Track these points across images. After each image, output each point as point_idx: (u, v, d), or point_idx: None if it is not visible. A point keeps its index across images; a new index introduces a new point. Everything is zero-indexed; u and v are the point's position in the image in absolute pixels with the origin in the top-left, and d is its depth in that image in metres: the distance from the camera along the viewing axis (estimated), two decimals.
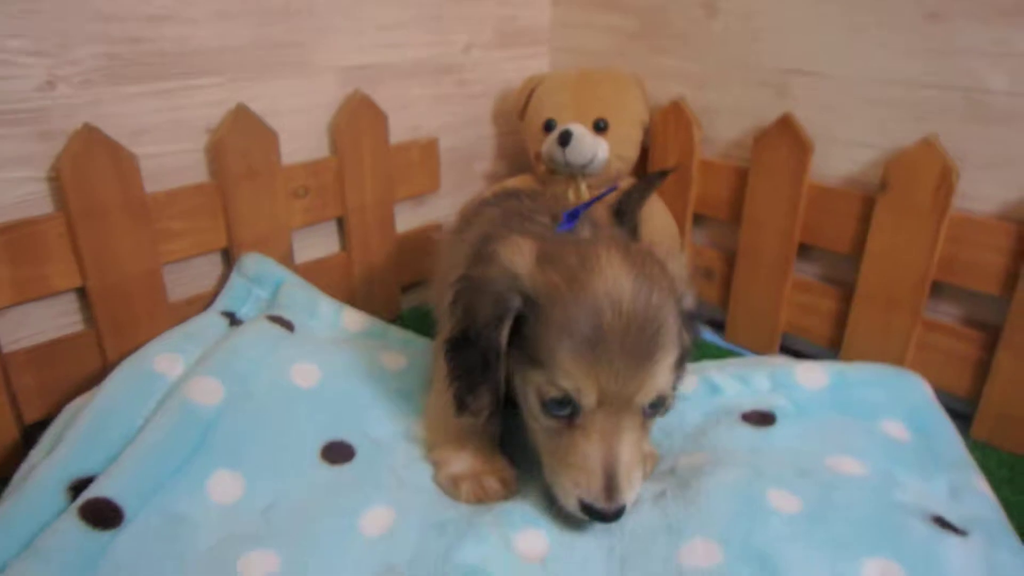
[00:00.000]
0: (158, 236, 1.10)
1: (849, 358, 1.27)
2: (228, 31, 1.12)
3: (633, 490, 0.82)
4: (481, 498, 0.90)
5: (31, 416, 1.05)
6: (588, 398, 0.79)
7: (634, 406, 0.80)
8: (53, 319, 1.06)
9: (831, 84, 1.24)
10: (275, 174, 1.20)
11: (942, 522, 0.83)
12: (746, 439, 0.98)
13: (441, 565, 0.79)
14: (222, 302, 1.16)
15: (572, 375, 0.78)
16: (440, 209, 1.49)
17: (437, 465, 0.94)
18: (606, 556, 0.82)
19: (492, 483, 0.90)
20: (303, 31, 1.21)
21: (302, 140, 1.25)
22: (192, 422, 0.90)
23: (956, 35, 1.10)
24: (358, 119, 1.27)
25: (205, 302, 1.18)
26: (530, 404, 0.84)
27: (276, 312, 1.11)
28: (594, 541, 0.84)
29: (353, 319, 1.18)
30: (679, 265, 0.88)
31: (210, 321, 1.09)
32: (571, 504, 0.82)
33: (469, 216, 1.10)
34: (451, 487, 0.91)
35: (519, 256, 0.83)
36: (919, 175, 1.14)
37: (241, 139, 1.15)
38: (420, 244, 1.43)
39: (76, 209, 1.01)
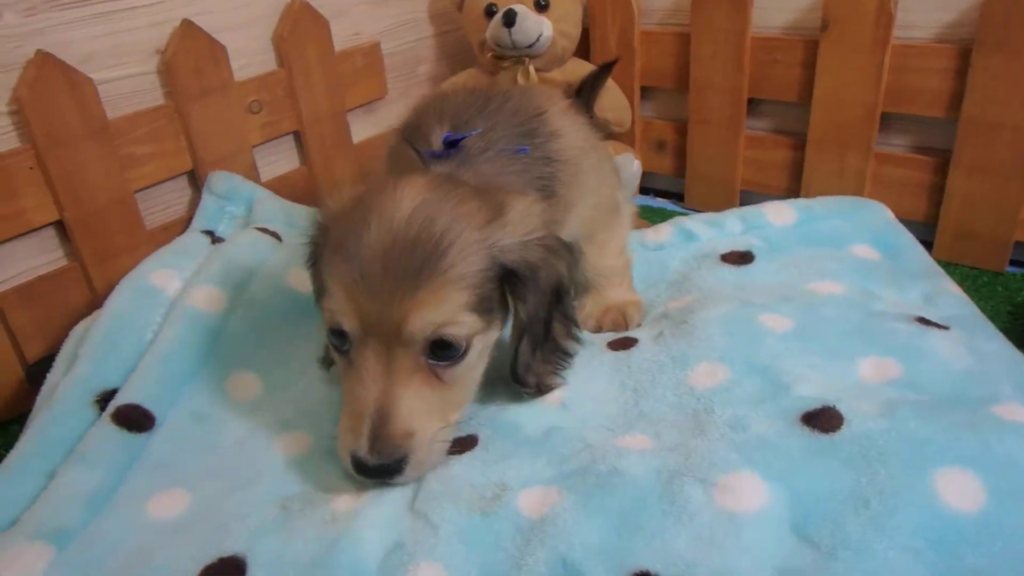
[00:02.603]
0: (125, 162, 1.10)
1: None
2: None
3: (417, 443, 0.73)
4: None
5: (32, 354, 1.05)
6: (351, 323, 0.73)
7: (405, 339, 0.72)
8: (36, 257, 1.06)
9: None
10: (229, 90, 1.20)
11: (924, 321, 0.88)
12: (729, 277, 1.03)
13: (471, 422, 0.82)
14: (199, 222, 1.17)
15: (336, 297, 0.73)
16: (391, 117, 1.49)
17: None
18: (619, 390, 0.86)
19: None
20: None
21: (249, 55, 1.25)
22: (201, 329, 0.92)
23: None
24: (301, 28, 1.27)
25: (181, 227, 1.19)
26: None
27: (258, 224, 1.12)
28: (604, 380, 0.87)
29: None
30: (524, 220, 0.78)
31: (193, 240, 1.10)
32: (344, 459, 0.74)
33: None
34: None
35: (338, 192, 0.81)
36: (859, 9, 1.18)
37: (191, 56, 1.14)
38: (376, 153, 1.43)
39: (42, 139, 1.01)
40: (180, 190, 1.21)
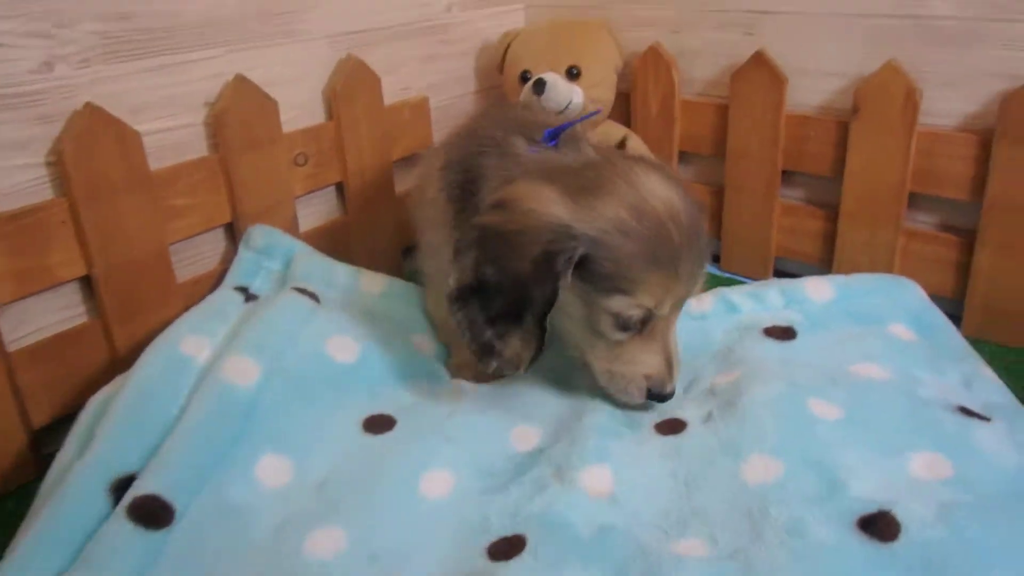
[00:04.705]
0: (164, 214, 0.93)
1: (841, 272, 1.17)
2: (219, 3, 0.95)
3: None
4: (481, 380, 0.87)
5: (39, 419, 0.87)
6: (665, 308, 0.77)
7: (683, 303, 0.80)
8: (55, 313, 0.89)
9: (796, 20, 1.17)
10: (276, 143, 1.03)
11: (967, 411, 0.79)
12: (773, 353, 0.91)
13: (516, 519, 0.68)
14: (233, 277, 1.00)
15: (656, 293, 0.75)
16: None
17: (450, 355, 0.93)
18: (670, 481, 0.73)
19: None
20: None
21: (299, 108, 1.08)
22: (231, 405, 0.75)
23: None
24: (353, 82, 1.11)
25: (213, 280, 1.02)
26: (601, 327, 0.77)
27: (296, 283, 0.95)
28: (654, 468, 0.75)
29: (371, 281, 1.02)
30: None
31: (226, 298, 0.93)
32: (637, 396, 0.81)
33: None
34: (455, 371, 0.89)
35: (553, 205, 0.73)
36: (886, 97, 1.08)
37: (242, 109, 0.98)
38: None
39: (79, 192, 0.84)
40: (215, 242, 1.03)
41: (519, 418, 0.84)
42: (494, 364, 0.75)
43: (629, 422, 0.83)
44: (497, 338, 0.74)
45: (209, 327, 0.85)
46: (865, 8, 1.10)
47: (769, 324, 0.96)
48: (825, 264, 1.22)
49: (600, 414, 0.82)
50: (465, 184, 0.84)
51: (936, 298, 1.01)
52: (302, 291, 0.93)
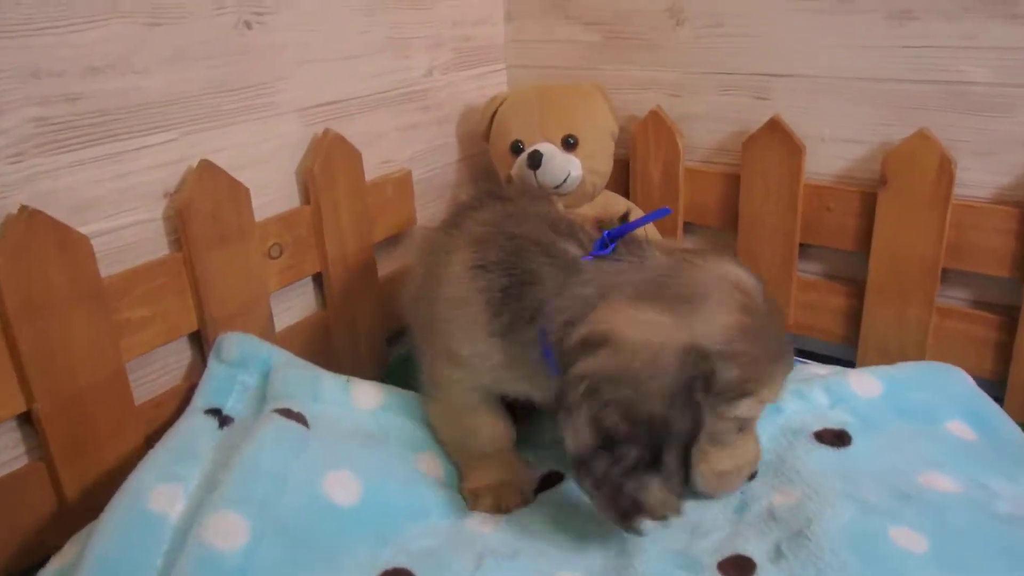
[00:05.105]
0: (119, 329, 0.79)
1: (867, 352, 1.11)
2: (178, 78, 0.81)
3: None
4: (499, 510, 0.78)
5: None
6: (779, 396, 0.75)
7: None
8: None
9: (812, 84, 1.09)
10: (248, 234, 0.90)
11: None
12: (830, 463, 0.81)
13: None
14: (203, 397, 0.84)
15: (776, 386, 0.72)
16: (416, 246, 1.21)
17: (462, 478, 0.82)
18: None
19: (509, 495, 0.79)
20: (260, 70, 0.90)
21: (271, 192, 0.95)
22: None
23: (928, 32, 0.99)
24: (332, 160, 0.98)
25: (177, 400, 0.87)
26: (722, 435, 0.73)
27: (278, 403, 0.81)
28: None
29: (364, 393, 0.88)
30: None
31: (197, 426, 0.78)
32: (739, 484, 0.78)
33: (455, 218, 0.89)
34: (472, 499, 0.79)
35: (665, 329, 0.66)
36: (918, 167, 1.01)
37: (209, 199, 0.84)
38: (401, 287, 1.14)
39: (15, 313, 0.69)
40: (179, 353, 0.88)
41: (558, 564, 0.71)
42: (641, 523, 0.67)
43: (687, 563, 0.71)
44: (637, 492, 0.66)
45: (180, 471, 0.71)
46: (889, 73, 1.02)
47: (819, 427, 0.86)
48: (849, 342, 1.13)
49: (651, 556, 0.71)
50: (509, 289, 0.75)
51: (974, 380, 0.94)
52: (286, 413, 0.79)
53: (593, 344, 0.66)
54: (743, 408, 0.70)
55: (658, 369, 0.64)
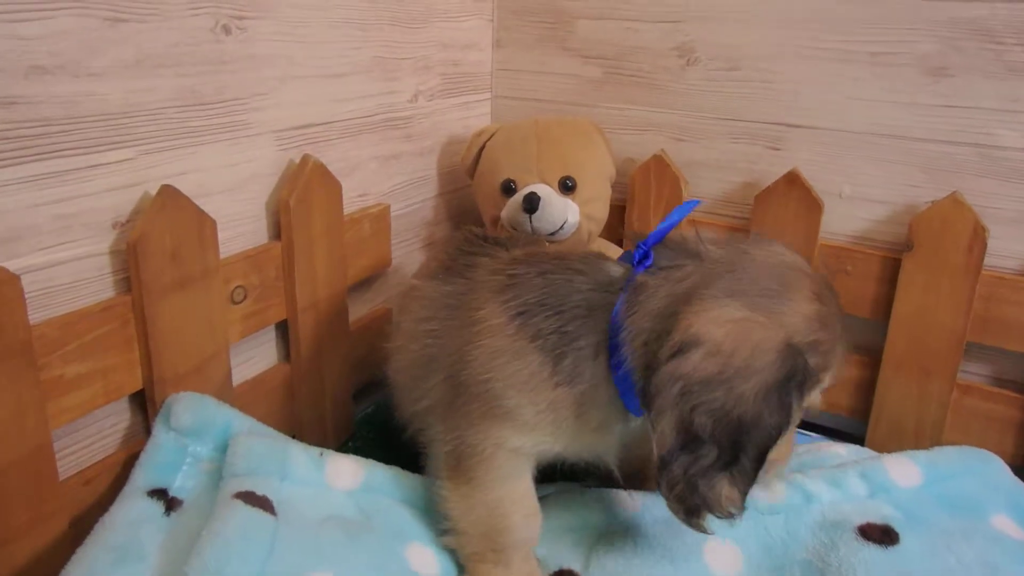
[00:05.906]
0: (47, 390, 0.63)
1: (878, 427, 1.03)
2: (141, 86, 0.67)
3: None
4: None
5: None
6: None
7: None
8: None
9: (832, 138, 1.02)
10: (212, 276, 0.75)
11: None
12: (881, 565, 0.73)
13: None
14: (146, 474, 0.69)
15: (838, 370, 0.68)
16: (389, 289, 1.08)
17: (467, 573, 0.72)
18: None
19: None
20: (237, 83, 0.77)
21: (238, 225, 0.81)
22: None
23: (966, 91, 0.93)
24: (310, 191, 0.84)
25: (112, 475, 0.71)
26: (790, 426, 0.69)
27: (238, 482, 0.67)
28: None
29: (341, 470, 0.75)
30: None
31: (138, 514, 0.64)
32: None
33: (454, 266, 0.80)
34: None
35: (758, 327, 0.62)
36: (949, 233, 0.94)
37: (169, 233, 0.69)
38: (371, 337, 1.01)
39: None
40: (116, 415, 0.73)
41: None
42: (704, 521, 0.64)
43: None
44: (707, 490, 0.63)
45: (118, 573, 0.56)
46: (920, 131, 0.96)
47: (862, 522, 0.78)
48: (860, 416, 1.05)
49: None
50: (562, 329, 0.68)
51: None
52: (248, 498, 0.65)
53: (683, 350, 0.62)
54: (814, 396, 0.68)
55: (756, 369, 0.61)
